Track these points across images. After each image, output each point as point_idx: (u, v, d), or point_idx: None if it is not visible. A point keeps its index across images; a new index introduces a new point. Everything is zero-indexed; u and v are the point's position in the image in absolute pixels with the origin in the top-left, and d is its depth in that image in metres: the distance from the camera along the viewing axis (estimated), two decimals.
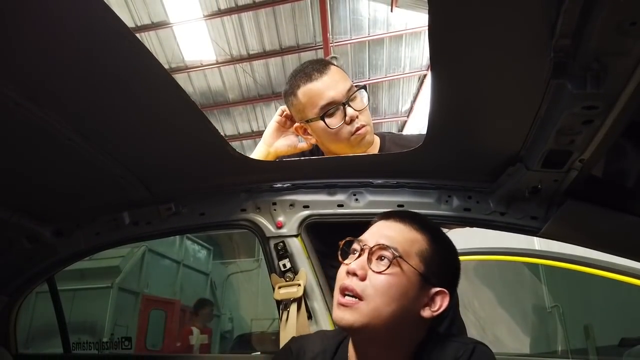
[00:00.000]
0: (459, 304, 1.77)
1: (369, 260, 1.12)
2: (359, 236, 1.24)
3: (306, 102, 1.65)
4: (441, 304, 1.13)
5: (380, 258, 1.12)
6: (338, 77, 1.65)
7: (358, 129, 1.63)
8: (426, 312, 1.12)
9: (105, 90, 1.16)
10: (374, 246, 1.13)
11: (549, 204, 1.42)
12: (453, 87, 1.10)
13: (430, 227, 1.21)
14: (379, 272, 1.09)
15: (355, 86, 1.65)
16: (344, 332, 1.25)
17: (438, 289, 1.13)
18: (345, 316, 1.08)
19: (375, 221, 1.24)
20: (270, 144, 1.75)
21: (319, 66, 1.66)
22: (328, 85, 1.62)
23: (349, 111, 1.61)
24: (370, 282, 1.09)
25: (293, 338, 1.36)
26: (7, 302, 1.92)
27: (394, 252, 1.10)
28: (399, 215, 1.21)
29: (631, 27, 0.77)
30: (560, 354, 3.70)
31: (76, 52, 1.02)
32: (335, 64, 1.72)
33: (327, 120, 1.62)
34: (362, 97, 1.65)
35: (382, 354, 1.14)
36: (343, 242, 1.20)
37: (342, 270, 1.16)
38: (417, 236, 1.16)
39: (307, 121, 1.67)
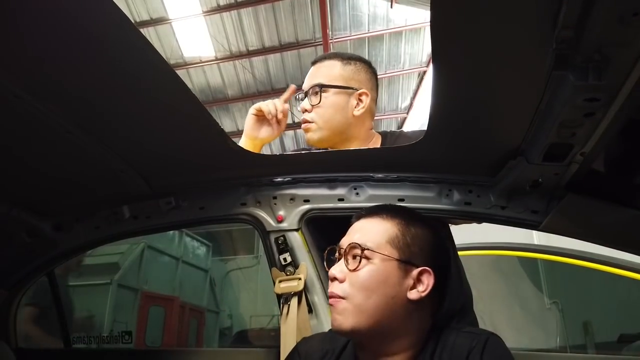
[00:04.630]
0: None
1: (346, 261, 1.17)
2: None
3: None
4: (428, 282, 1.15)
5: (353, 257, 1.17)
6: (317, 72, 1.75)
7: (303, 121, 1.74)
8: (413, 294, 1.14)
9: (105, 83, 1.16)
10: (345, 247, 1.19)
11: (549, 198, 1.42)
12: (454, 80, 1.10)
13: (402, 213, 1.24)
14: (354, 270, 1.15)
15: (316, 85, 1.71)
16: None
17: (420, 268, 1.15)
18: (336, 319, 1.14)
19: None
20: (254, 136, 1.76)
21: (320, 57, 1.79)
22: (309, 75, 1.77)
23: (302, 102, 1.74)
24: (349, 281, 1.15)
25: (302, 340, 1.38)
26: (7, 297, 1.92)
27: (362, 246, 1.15)
28: (368, 212, 1.26)
29: (634, 17, 0.77)
30: (559, 349, 3.71)
31: (76, 45, 1.02)
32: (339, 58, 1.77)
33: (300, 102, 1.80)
34: (317, 96, 1.71)
35: (384, 348, 1.14)
36: (326, 252, 1.28)
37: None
38: (386, 225, 1.20)
39: None
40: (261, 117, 1.75)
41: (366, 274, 1.14)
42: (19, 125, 1.28)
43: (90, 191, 1.71)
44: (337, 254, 1.22)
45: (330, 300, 1.17)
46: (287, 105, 1.78)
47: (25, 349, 2.03)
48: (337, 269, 1.18)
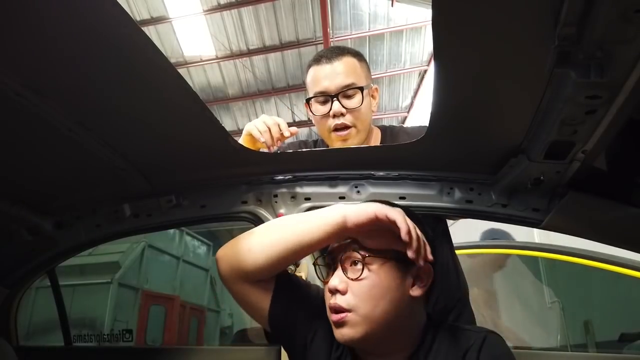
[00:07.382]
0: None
1: (344, 269, 1.10)
2: None
3: (308, 83, 1.74)
4: (427, 277, 1.13)
5: (353, 263, 1.10)
6: (342, 70, 1.66)
7: (337, 127, 1.65)
8: (415, 291, 1.11)
9: (106, 81, 1.15)
10: (341, 255, 1.11)
11: (551, 196, 1.42)
12: (456, 78, 1.09)
13: None
14: (356, 279, 1.08)
15: (358, 87, 1.64)
16: None
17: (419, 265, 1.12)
18: (344, 332, 1.07)
19: None
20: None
21: (331, 54, 1.69)
22: (326, 75, 1.66)
23: (335, 106, 1.64)
24: (352, 291, 1.08)
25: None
26: (7, 294, 1.92)
27: (362, 253, 1.09)
28: None
29: (636, 14, 0.76)
30: (560, 348, 3.71)
31: (78, 42, 1.01)
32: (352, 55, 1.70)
33: (312, 106, 1.70)
34: (355, 98, 1.64)
35: (386, 347, 1.12)
36: (313, 262, 1.20)
37: (326, 290, 1.14)
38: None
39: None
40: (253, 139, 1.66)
41: (371, 282, 1.07)
42: (19, 123, 1.27)
43: (91, 189, 1.71)
44: (331, 263, 1.14)
45: (335, 317, 1.08)
46: (281, 140, 1.64)
47: (26, 346, 2.03)
48: (337, 279, 1.09)
